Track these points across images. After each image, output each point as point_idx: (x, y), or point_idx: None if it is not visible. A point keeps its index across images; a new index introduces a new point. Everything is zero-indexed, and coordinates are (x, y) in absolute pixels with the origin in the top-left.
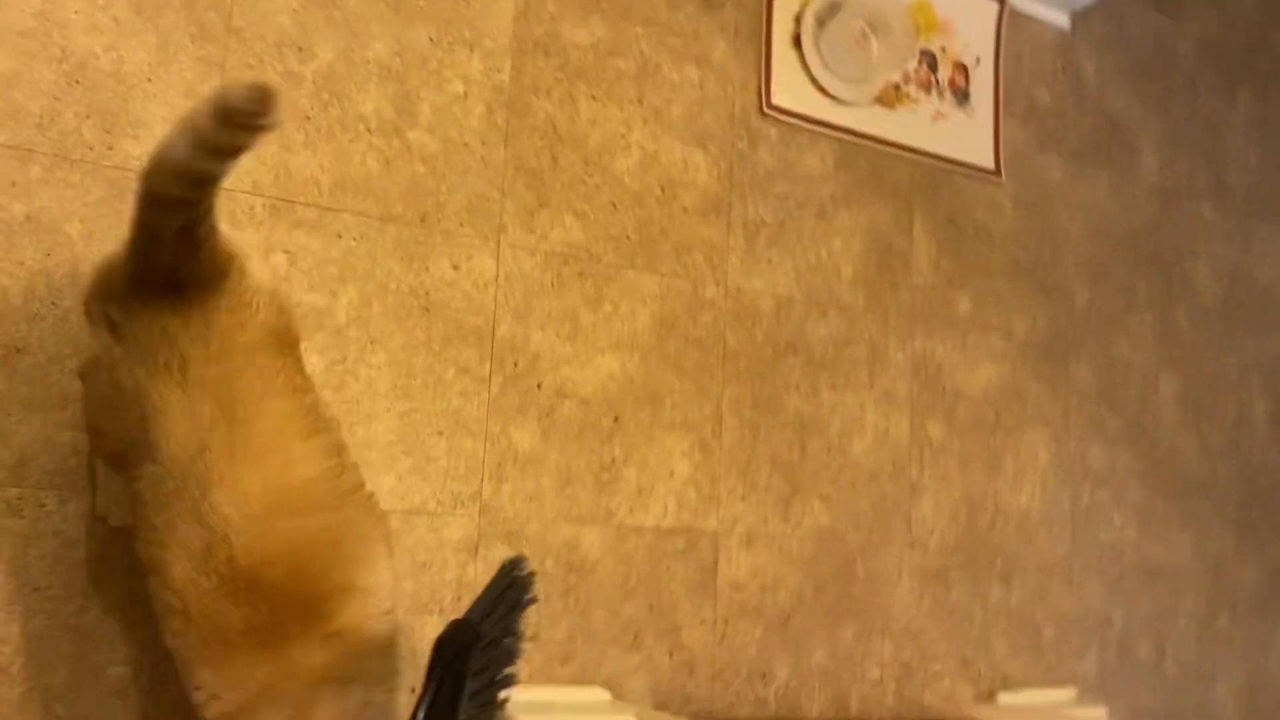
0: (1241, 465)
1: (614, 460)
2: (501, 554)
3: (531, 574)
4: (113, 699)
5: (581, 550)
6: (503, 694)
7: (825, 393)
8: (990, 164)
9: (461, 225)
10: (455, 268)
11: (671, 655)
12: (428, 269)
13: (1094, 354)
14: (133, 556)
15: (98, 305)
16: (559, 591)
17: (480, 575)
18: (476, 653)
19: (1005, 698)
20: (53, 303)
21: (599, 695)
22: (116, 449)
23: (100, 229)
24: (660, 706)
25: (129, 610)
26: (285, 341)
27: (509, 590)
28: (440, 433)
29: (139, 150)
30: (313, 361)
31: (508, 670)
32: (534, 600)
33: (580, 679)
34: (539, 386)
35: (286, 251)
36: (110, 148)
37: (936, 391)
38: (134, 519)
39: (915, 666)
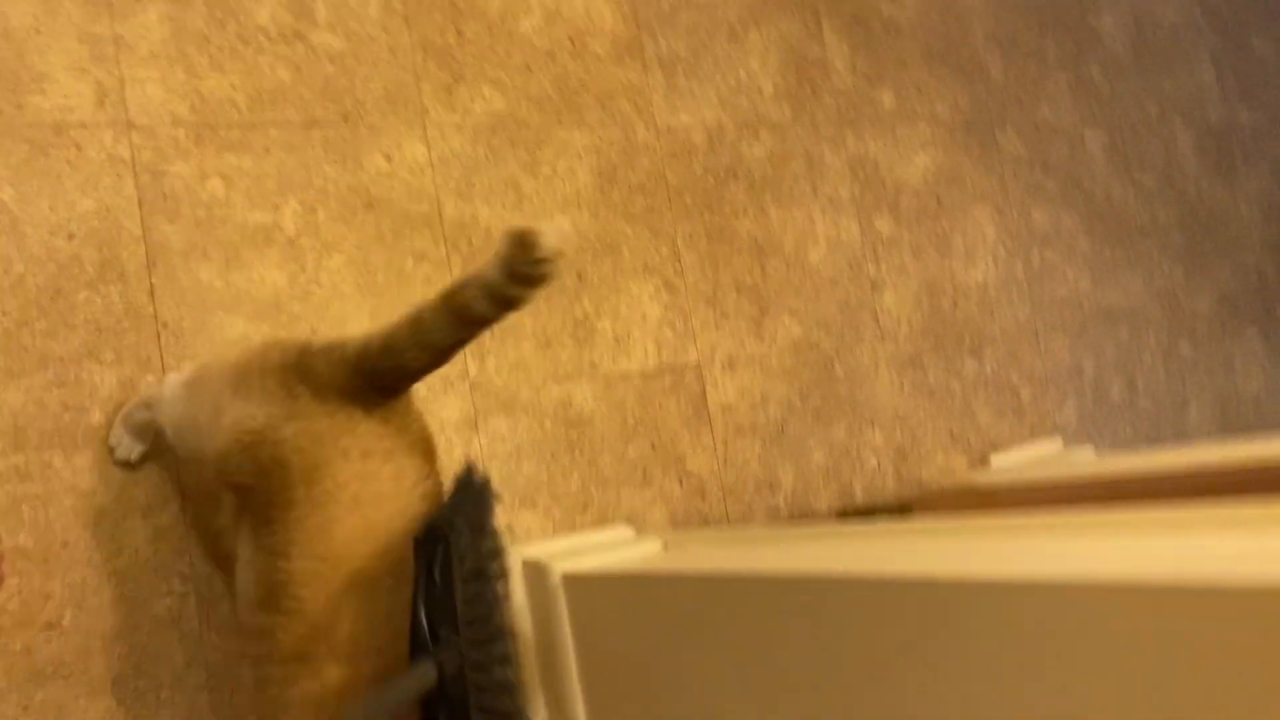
0: (1177, 200)
1: (586, 316)
2: (500, 425)
3: (486, 478)
4: (167, 630)
5: (575, 405)
6: (495, 567)
7: (773, 211)
8: None
9: (384, 116)
10: (388, 159)
11: (681, 484)
12: (362, 166)
13: (1019, 123)
14: (150, 494)
15: (286, 379)
16: (564, 448)
17: (486, 448)
18: (457, 541)
19: (997, 459)
20: (3, 270)
21: (623, 532)
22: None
23: (32, 190)
24: (680, 531)
25: (160, 544)
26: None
27: (469, 494)
28: None
29: (49, 104)
30: (273, 278)
31: (493, 547)
32: (497, 498)
33: (601, 521)
34: None
35: (221, 176)
36: (20, 107)
37: (877, 188)
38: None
39: (908, 449)
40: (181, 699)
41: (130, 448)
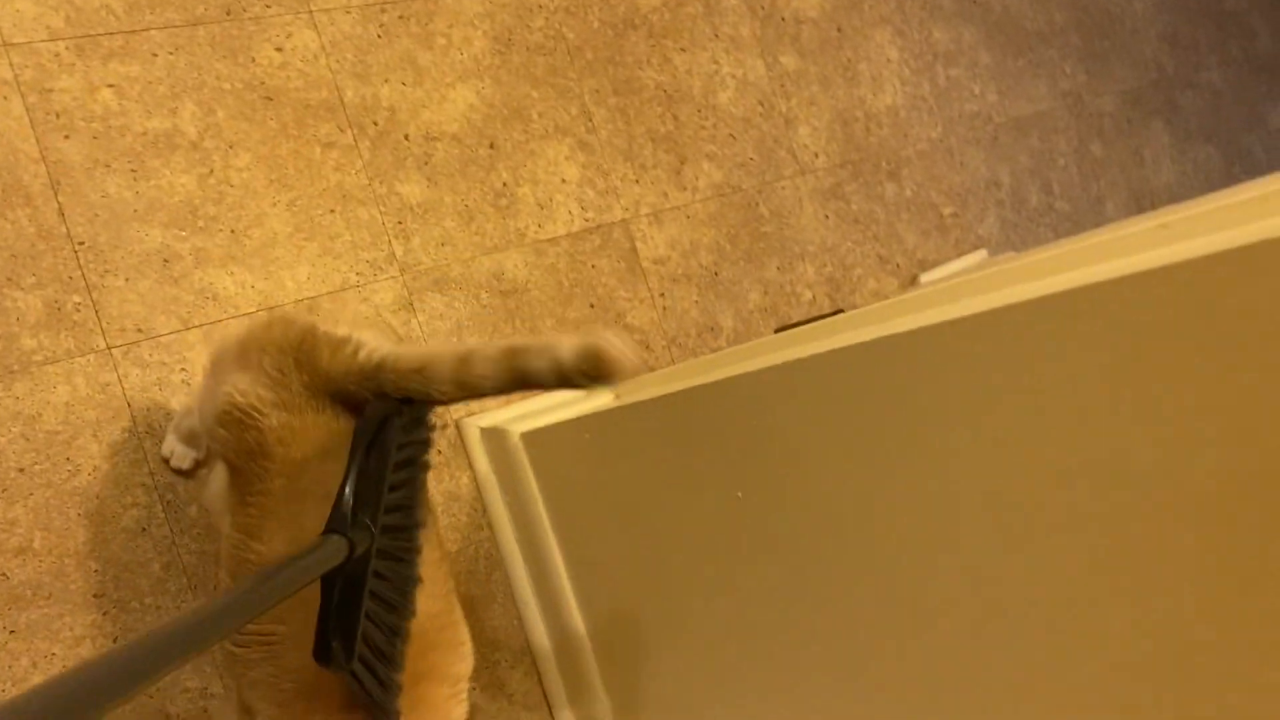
0: (1071, 3)
1: (505, 185)
2: (436, 303)
3: None
4: (138, 539)
5: (508, 276)
6: (424, 458)
7: (676, 58)
8: None
9: (268, 7)
10: (279, 50)
11: None
12: (254, 60)
13: None
14: (98, 412)
15: (280, 359)
16: (503, 318)
17: (425, 326)
18: (394, 427)
19: (926, 277)
20: None
21: (574, 391)
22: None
23: None
24: None
25: (116, 459)
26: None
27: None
28: (332, 210)
29: None
30: (181, 183)
31: (425, 438)
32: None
33: None
34: (406, 138)
35: (110, 86)
36: None
37: (777, 24)
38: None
39: (840, 278)
40: (165, 603)
41: (184, 455)
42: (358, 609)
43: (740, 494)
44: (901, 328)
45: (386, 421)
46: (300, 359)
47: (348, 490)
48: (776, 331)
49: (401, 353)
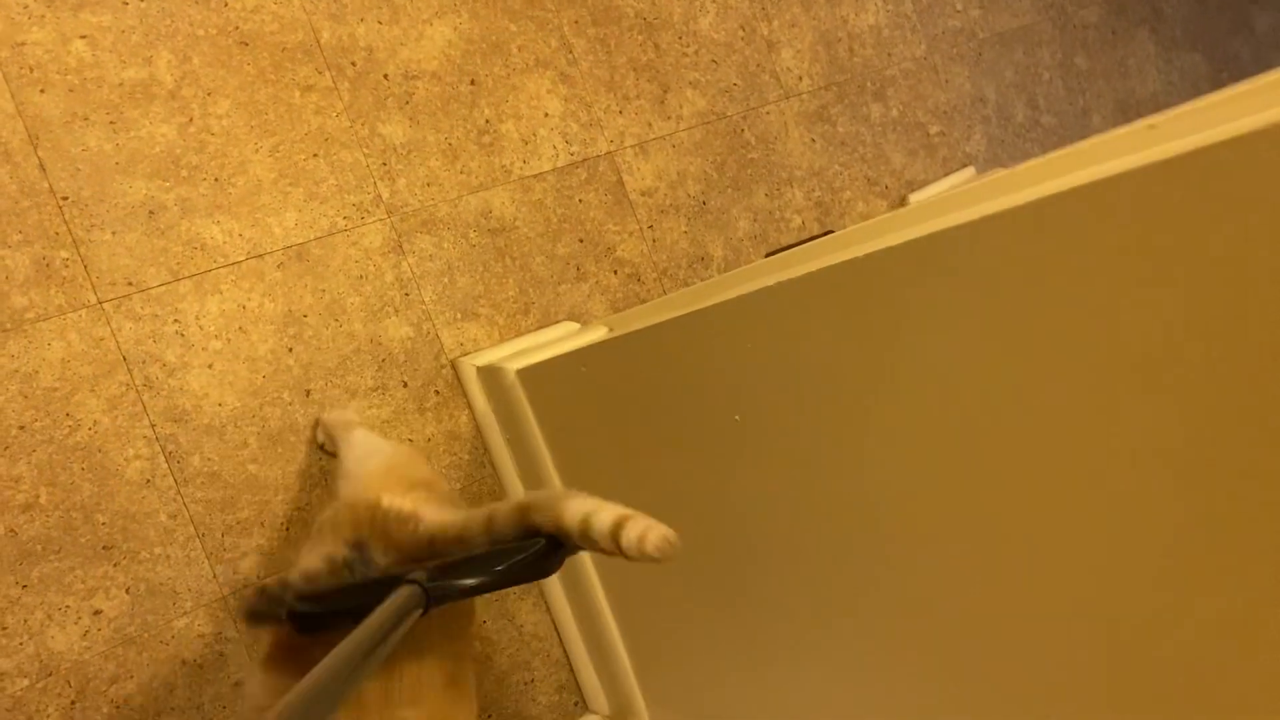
0: None
1: (488, 121)
2: (425, 244)
3: None
4: (143, 490)
5: (496, 213)
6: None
7: None
8: None
9: None
10: None
11: (616, 273)
12: (226, 4)
13: None
14: (94, 368)
15: (356, 534)
16: (493, 256)
17: (415, 268)
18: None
19: (915, 197)
20: None
21: (568, 327)
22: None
23: None
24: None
25: (116, 412)
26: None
27: None
28: (315, 154)
29: None
30: (162, 133)
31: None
32: None
33: (545, 322)
34: (385, 78)
35: (83, 37)
36: None
37: None
38: None
39: (828, 202)
40: (175, 552)
41: None
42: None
43: (738, 417)
44: (892, 241)
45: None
46: (375, 532)
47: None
48: (767, 256)
49: (446, 523)
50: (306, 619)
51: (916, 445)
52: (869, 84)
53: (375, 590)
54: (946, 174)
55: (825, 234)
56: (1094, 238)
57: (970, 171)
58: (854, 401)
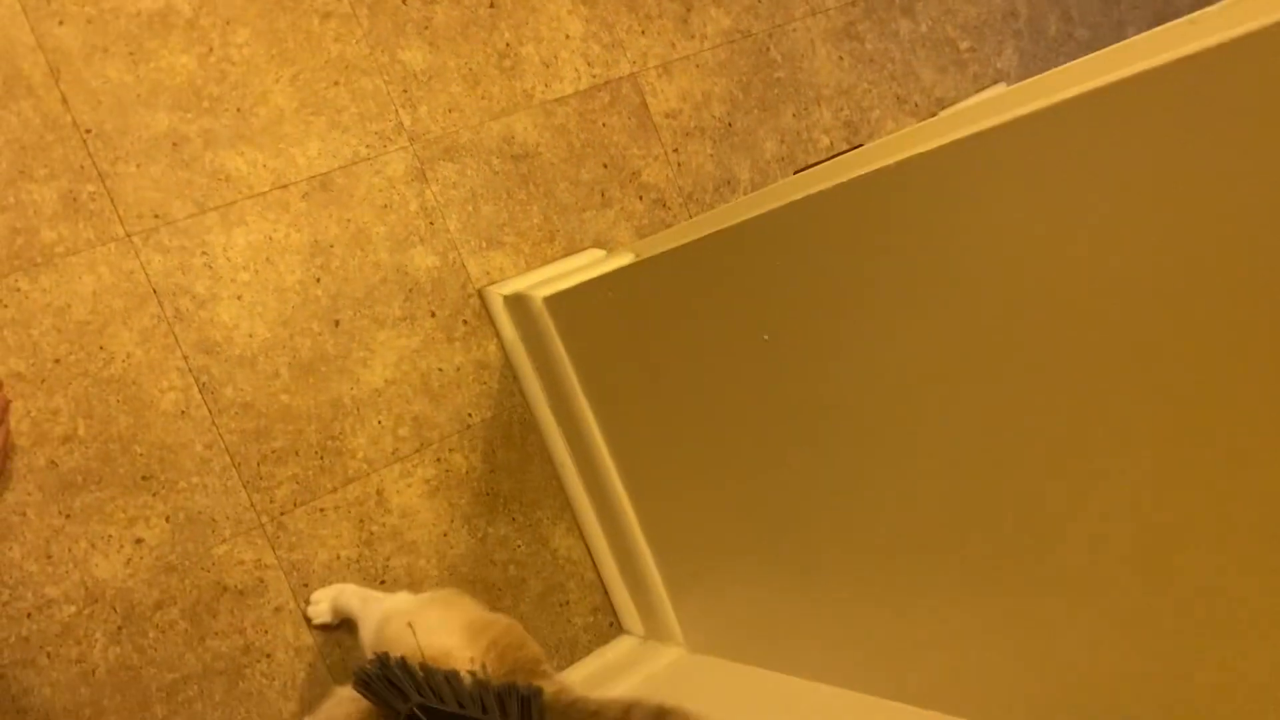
0: None
1: (508, 45)
2: (448, 172)
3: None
4: (179, 421)
5: (518, 138)
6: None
7: None
8: None
9: None
10: None
11: (641, 198)
12: None
13: None
14: (126, 301)
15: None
16: (517, 183)
17: (439, 195)
18: None
19: (946, 113)
20: None
21: (594, 254)
22: None
23: None
24: None
25: (149, 345)
26: None
27: None
28: (336, 83)
29: None
30: (183, 63)
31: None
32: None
33: (570, 250)
34: (404, 2)
35: None
36: None
37: None
38: None
39: (857, 121)
40: (212, 481)
41: (323, 613)
42: None
43: (767, 336)
44: (922, 149)
45: None
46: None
47: None
48: (795, 174)
49: (590, 700)
50: None
51: (950, 357)
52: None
53: None
54: (978, 90)
55: (854, 148)
56: (1135, 134)
57: (1002, 87)
58: (886, 316)
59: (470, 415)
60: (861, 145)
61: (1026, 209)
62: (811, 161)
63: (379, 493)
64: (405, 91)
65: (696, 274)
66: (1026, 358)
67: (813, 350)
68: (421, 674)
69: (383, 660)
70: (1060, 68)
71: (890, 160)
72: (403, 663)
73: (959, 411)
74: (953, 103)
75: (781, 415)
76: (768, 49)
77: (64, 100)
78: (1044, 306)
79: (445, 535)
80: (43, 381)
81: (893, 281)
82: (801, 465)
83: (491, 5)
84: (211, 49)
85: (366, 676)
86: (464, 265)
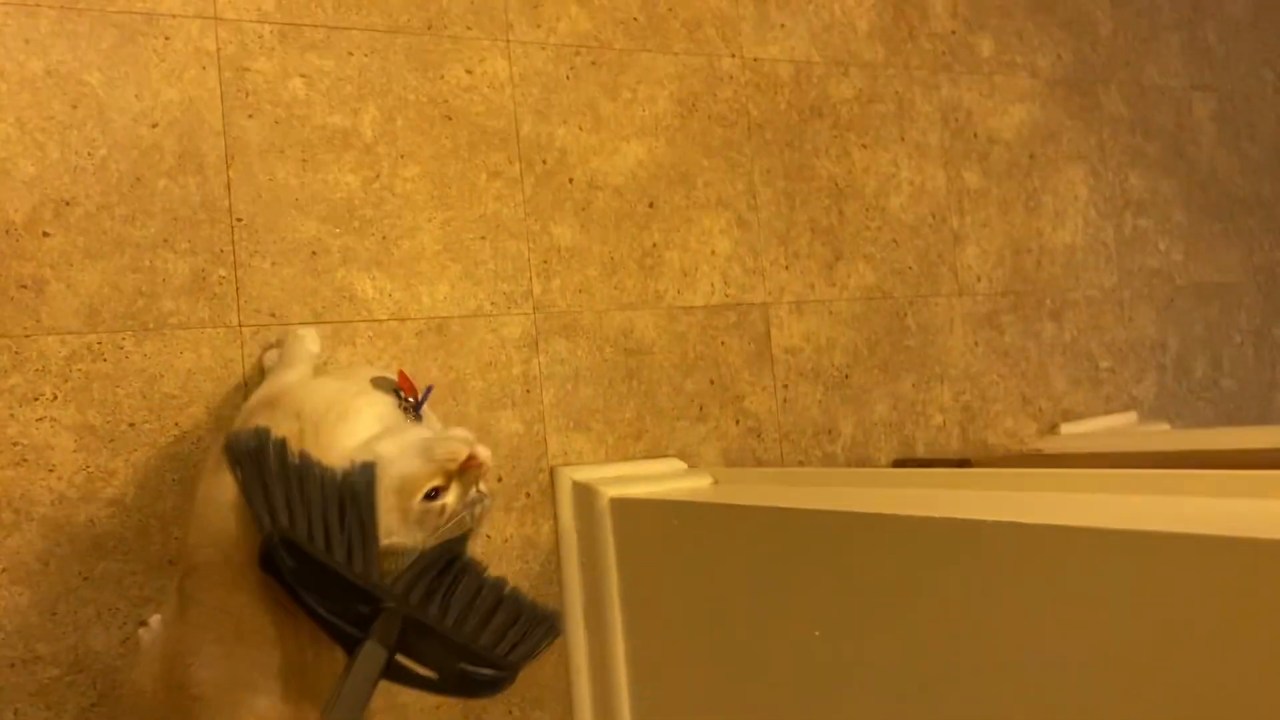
0: None
1: (655, 245)
2: (559, 347)
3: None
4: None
5: (637, 334)
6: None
7: (856, 153)
8: None
9: (468, 28)
10: (469, 72)
11: (738, 423)
12: (443, 77)
13: (1124, 82)
14: (215, 387)
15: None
16: (622, 376)
17: (544, 368)
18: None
19: (1068, 428)
20: (88, 153)
21: (674, 464)
22: None
23: (119, 76)
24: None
25: (221, 435)
26: None
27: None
28: (483, 237)
29: None
30: (348, 182)
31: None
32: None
33: (654, 453)
34: (570, 181)
35: (303, 76)
36: None
37: (968, 139)
38: None
39: (976, 409)
40: None
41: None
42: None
43: (819, 633)
44: (1033, 519)
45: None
46: None
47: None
48: (895, 463)
49: None
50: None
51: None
52: (1048, 301)
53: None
54: (1107, 413)
55: (962, 463)
56: None
57: (1133, 417)
58: (966, 684)
59: None
60: (969, 462)
61: (1147, 628)
62: (915, 456)
63: None
64: (545, 262)
65: (766, 541)
66: None
67: (863, 672)
68: (298, 471)
69: (260, 436)
70: (1204, 437)
71: (991, 515)
72: (282, 448)
73: None
74: (1079, 418)
75: (811, 713)
76: (905, 315)
77: (228, 186)
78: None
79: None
80: (111, 440)
81: (965, 629)
82: None
83: (651, 205)
84: (379, 175)
85: (238, 451)
86: (545, 439)
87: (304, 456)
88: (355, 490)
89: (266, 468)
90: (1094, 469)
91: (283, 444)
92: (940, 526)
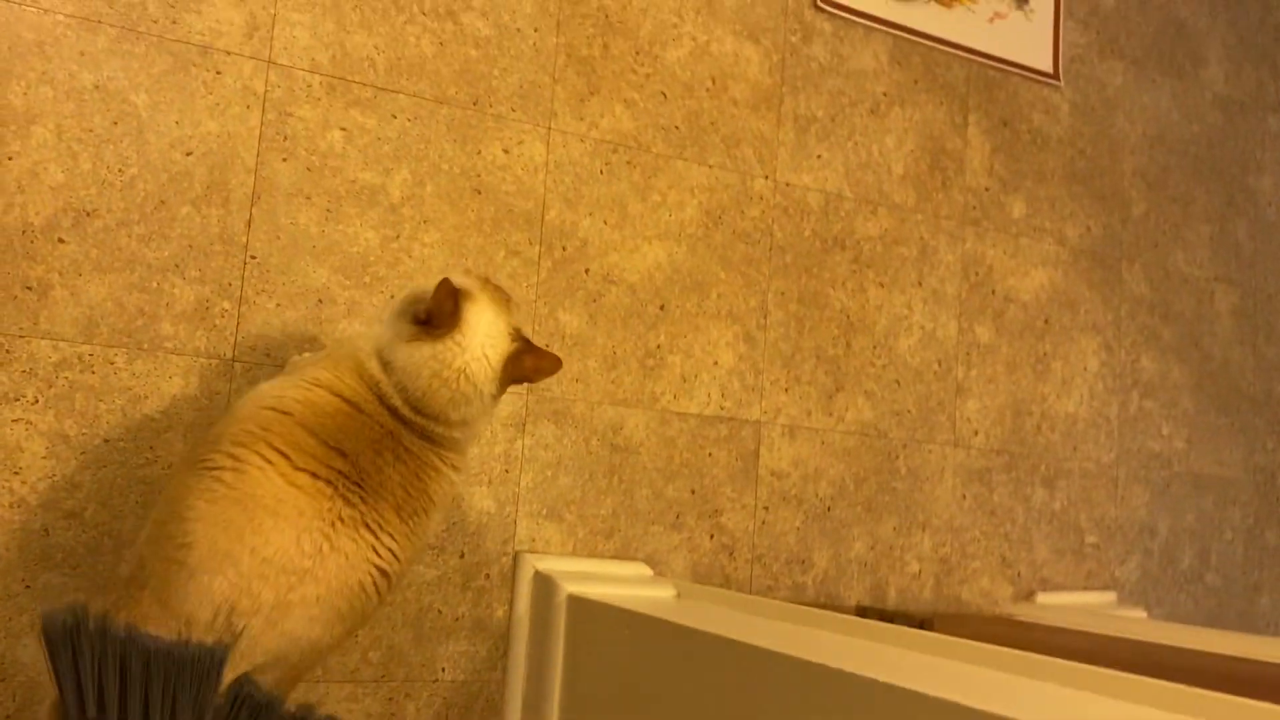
0: None
1: (659, 347)
2: (546, 432)
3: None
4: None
5: (626, 432)
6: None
7: (872, 290)
8: (1049, 67)
9: (513, 110)
10: (506, 152)
11: (712, 537)
12: (479, 152)
13: (1149, 263)
14: (196, 416)
15: None
16: (604, 470)
17: (527, 451)
18: None
19: (1044, 598)
20: (120, 169)
21: (640, 570)
22: None
23: (164, 101)
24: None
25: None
26: None
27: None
28: None
29: (202, 25)
30: (367, 238)
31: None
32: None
33: (623, 554)
34: (586, 271)
35: (343, 129)
36: (174, 21)
37: (986, 294)
38: None
39: (954, 563)
40: None
41: None
42: None
43: None
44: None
45: None
46: None
47: None
48: (859, 610)
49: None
50: None
51: None
52: (1043, 467)
53: None
54: (1087, 589)
55: (924, 623)
56: None
57: (1111, 597)
58: None
59: (444, 670)
60: (929, 623)
61: None
62: (880, 608)
63: (319, 704)
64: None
65: (720, 672)
66: None
67: None
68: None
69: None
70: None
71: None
72: (103, 622)
73: None
74: (1056, 589)
75: None
76: (897, 457)
77: (249, 223)
78: None
79: (355, 670)
80: (83, 453)
81: None
82: None
83: (661, 308)
84: (399, 235)
85: (52, 631)
86: (516, 522)
87: (130, 629)
88: (199, 668)
89: (81, 646)
90: (1055, 658)
91: (103, 618)
92: (884, 692)
